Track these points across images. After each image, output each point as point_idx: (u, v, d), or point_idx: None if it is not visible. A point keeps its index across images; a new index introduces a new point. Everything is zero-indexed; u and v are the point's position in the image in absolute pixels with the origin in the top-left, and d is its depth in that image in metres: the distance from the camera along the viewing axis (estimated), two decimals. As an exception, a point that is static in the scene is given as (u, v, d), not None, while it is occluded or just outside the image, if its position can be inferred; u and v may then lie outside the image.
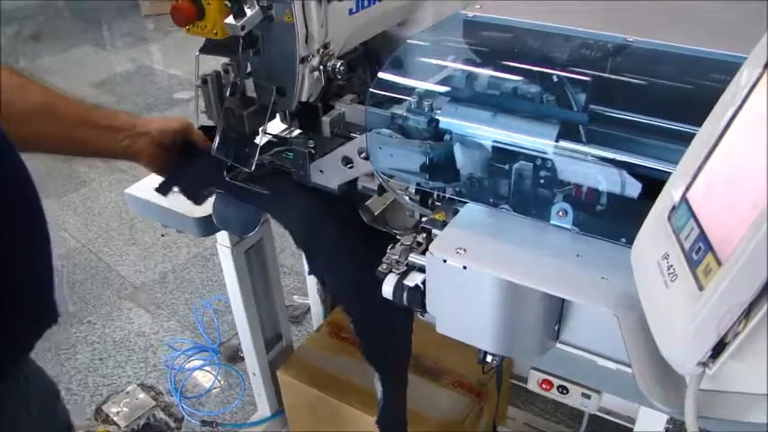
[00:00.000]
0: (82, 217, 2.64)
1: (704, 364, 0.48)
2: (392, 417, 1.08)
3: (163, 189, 1.03)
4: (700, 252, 0.49)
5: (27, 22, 4.81)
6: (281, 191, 0.95)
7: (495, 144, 0.76)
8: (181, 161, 1.01)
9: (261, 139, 0.94)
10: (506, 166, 0.78)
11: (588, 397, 1.06)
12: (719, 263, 0.46)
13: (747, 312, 0.45)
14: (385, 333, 0.91)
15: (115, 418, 1.79)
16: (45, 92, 0.91)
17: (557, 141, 0.72)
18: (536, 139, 0.73)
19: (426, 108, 0.79)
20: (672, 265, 0.52)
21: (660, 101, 0.72)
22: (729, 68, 0.54)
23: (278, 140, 1.03)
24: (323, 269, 0.94)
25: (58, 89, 0.94)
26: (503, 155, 0.76)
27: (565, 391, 1.07)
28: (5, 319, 0.68)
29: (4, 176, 0.66)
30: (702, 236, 0.49)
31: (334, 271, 0.93)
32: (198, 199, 1.01)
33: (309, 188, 0.96)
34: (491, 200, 0.76)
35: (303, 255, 1.57)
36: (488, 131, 0.77)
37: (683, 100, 0.71)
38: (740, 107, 0.50)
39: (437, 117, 0.78)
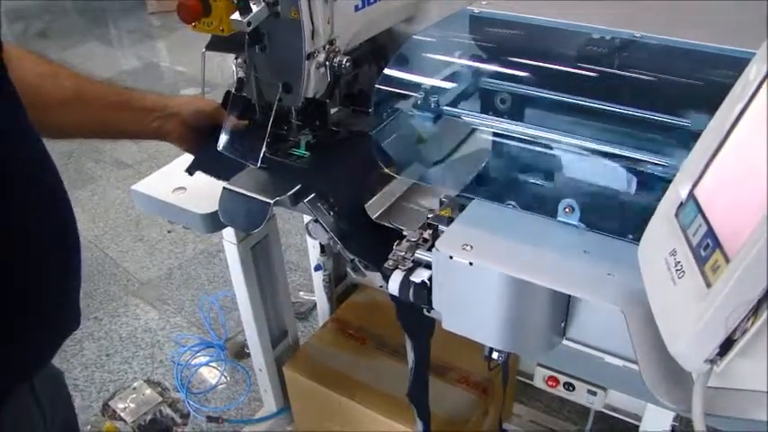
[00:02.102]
0: (89, 213, 2.65)
1: (711, 362, 0.48)
2: (420, 387, 1.08)
3: (191, 170, 1.03)
4: (707, 249, 0.48)
5: (34, 20, 4.83)
6: (322, 164, 0.95)
7: (505, 139, 0.76)
8: (210, 142, 1.02)
9: (267, 134, 0.94)
10: (514, 162, 0.78)
11: (594, 394, 1.06)
12: (727, 260, 0.46)
13: (756, 309, 0.45)
14: None
15: (122, 414, 1.80)
16: (77, 78, 0.92)
17: (565, 136, 0.72)
18: (546, 134, 0.73)
19: (433, 103, 0.79)
20: (679, 262, 0.51)
21: (668, 96, 0.72)
22: (738, 64, 0.53)
23: (285, 136, 1.03)
24: (358, 236, 0.94)
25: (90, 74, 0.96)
26: (510, 150, 0.76)
27: (571, 388, 1.06)
28: (30, 325, 0.69)
29: (40, 177, 0.66)
30: (710, 232, 0.49)
31: (370, 238, 0.92)
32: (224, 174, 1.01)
33: (351, 159, 0.97)
34: (498, 196, 0.76)
35: (309, 249, 1.58)
36: (499, 126, 0.77)
37: (691, 95, 0.70)
38: (749, 103, 0.50)
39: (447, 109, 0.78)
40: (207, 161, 1.02)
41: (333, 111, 1.06)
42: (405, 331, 0.96)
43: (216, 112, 1.01)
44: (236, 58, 0.96)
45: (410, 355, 0.99)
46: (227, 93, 1.03)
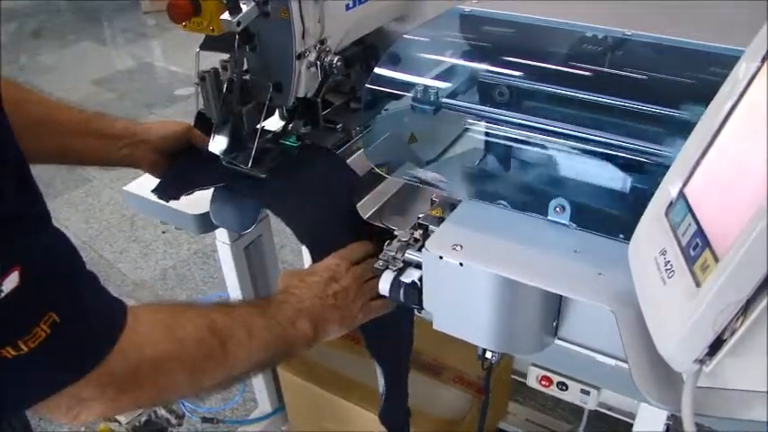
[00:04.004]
0: (83, 214, 2.64)
1: (701, 362, 0.48)
2: (395, 410, 1.08)
3: (158, 192, 1.01)
4: (697, 248, 0.48)
5: (28, 20, 4.81)
6: (280, 178, 0.95)
7: (495, 138, 0.76)
8: (182, 165, 1.00)
9: (257, 136, 0.93)
10: (504, 162, 0.78)
11: (587, 393, 1.06)
12: (717, 259, 0.45)
13: (745, 309, 0.45)
14: (386, 322, 0.90)
15: (116, 415, 1.79)
16: (44, 105, 0.91)
17: (555, 134, 0.72)
18: (537, 132, 0.73)
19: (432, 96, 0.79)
20: (669, 261, 0.51)
21: (658, 94, 0.71)
22: (728, 62, 0.53)
23: (276, 136, 1.03)
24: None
25: (59, 98, 0.94)
26: (500, 149, 0.76)
27: (564, 388, 1.06)
28: None
29: None
30: (700, 231, 0.49)
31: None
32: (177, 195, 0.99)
33: (309, 177, 0.96)
34: (489, 195, 0.75)
35: (304, 249, 1.58)
36: (489, 125, 0.77)
37: (681, 93, 0.70)
38: (738, 101, 0.50)
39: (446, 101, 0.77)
40: (169, 185, 0.99)
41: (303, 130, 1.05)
42: (374, 358, 0.95)
43: (186, 133, 1.00)
44: (227, 59, 0.96)
45: (380, 381, 0.98)
46: (199, 113, 1.02)
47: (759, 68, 0.48)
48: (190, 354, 0.67)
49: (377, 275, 0.76)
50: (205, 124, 1.01)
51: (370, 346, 0.92)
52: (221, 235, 1.26)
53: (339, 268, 0.82)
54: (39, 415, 0.61)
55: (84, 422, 0.61)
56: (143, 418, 1.78)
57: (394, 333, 0.97)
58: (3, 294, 0.51)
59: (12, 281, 0.52)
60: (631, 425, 1.22)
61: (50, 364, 0.56)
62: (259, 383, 1.57)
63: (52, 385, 0.58)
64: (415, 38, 0.90)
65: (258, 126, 0.94)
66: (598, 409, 1.41)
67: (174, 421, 1.79)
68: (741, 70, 0.50)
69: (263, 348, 0.73)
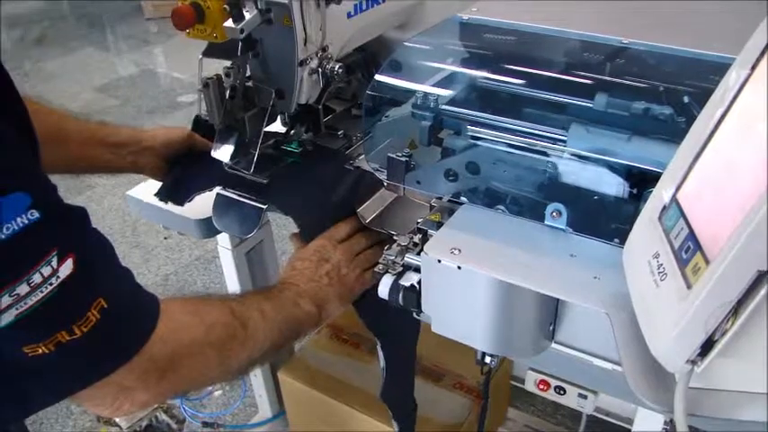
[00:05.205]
0: (85, 220, 2.65)
1: (693, 362, 0.49)
2: (397, 389, 1.08)
3: (160, 196, 1.03)
4: (689, 251, 0.49)
5: (32, 26, 4.83)
6: (282, 181, 0.96)
7: (493, 143, 0.77)
8: (182, 168, 1.02)
9: (259, 142, 0.94)
10: (501, 167, 0.79)
11: (585, 397, 1.07)
12: (707, 261, 0.47)
13: (735, 310, 0.46)
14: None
15: (117, 420, 1.79)
16: (54, 116, 0.93)
17: (552, 140, 0.73)
18: (534, 138, 0.74)
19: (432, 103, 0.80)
20: (662, 264, 0.52)
21: (652, 101, 0.73)
22: (721, 69, 0.54)
23: (278, 143, 1.04)
24: None
25: (61, 105, 0.96)
26: (498, 155, 0.77)
27: (562, 392, 1.07)
28: None
29: None
30: (691, 235, 0.50)
31: None
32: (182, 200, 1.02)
33: (310, 178, 0.97)
34: (486, 201, 0.76)
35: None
36: (487, 131, 0.78)
37: (674, 100, 0.71)
38: (729, 108, 0.51)
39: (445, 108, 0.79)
40: (171, 188, 1.02)
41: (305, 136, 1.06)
42: (369, 330, 0.96)
43: (186, 139, 1.03)
44: (230, 65, 0.97)
45: (380, 354, 0.99)
46: (196, 118, 1.04)
47: (748, 76, 0.50)
48: (218, 336, 0.71)
49: (376, 276, 0.77)
50: (202, 128, 1.03)
51: (363, 316, 0.93)
52: (223, 240, 1.27)
53: (326, 248, 0.87)
54: (84, 406, 0.64)
55: (126, 413, 0.64)
56: (144, 423, 1.79)
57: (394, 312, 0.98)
58: (60, 280, 0.55)
59: (67, 267, 0.55)
60: (629, 430, 1.23)
61: (99, 349, 0.59)
62: (260, 388, 1.58)
63: (100, 371, 0.60)
64: (416, 45, 0.92)
65: (260, 132, 0.95)
66: (596, 414, 1.41)
67: (174, 426, 1.80)
68: (731, 78, 0.52)
69: (277, 328, 0.78)
